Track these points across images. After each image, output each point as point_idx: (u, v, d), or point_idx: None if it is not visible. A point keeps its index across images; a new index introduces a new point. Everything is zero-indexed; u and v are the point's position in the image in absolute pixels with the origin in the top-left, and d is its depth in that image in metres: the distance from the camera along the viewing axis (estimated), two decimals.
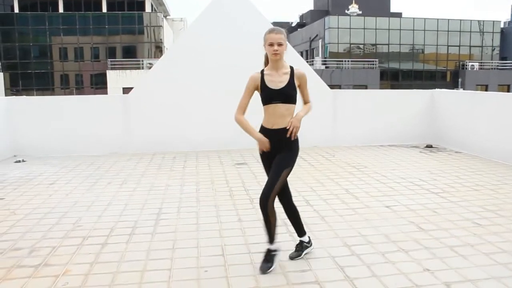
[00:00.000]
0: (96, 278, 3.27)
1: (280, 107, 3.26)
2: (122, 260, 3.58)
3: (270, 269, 3.31)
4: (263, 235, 4.01)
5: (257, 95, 3.37)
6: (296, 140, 3.37)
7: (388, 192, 5.55)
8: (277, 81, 3.28)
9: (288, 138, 3.28)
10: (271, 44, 3.21)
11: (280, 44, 3.21)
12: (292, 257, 3.55)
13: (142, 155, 8.15)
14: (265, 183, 3.38)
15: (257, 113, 3.51)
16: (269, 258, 3.36)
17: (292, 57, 8.83)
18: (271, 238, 3.40)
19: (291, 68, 3.37)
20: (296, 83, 3.32)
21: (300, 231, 3.62)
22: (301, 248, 3.59)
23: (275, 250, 3.40)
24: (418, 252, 3.67)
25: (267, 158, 3.42)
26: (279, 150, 3.32)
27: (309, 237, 3.66)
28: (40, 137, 8.26)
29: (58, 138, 8.29)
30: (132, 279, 3.24)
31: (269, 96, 3.27)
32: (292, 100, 3.29)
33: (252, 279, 3.22)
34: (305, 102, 3.47)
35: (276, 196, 3.37)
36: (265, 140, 3.29)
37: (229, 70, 8.08)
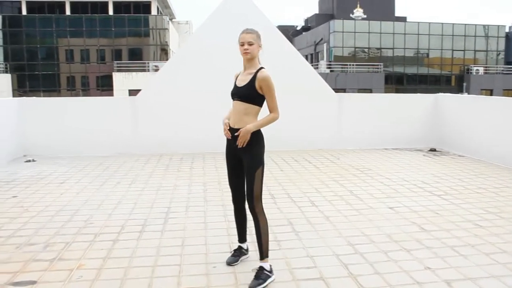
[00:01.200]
0: (109, 272, 3.40)
1: (240, 105, 3.27)
2: (133, 255, 3.71)
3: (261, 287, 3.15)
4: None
5: None
6: (256, 139, 3.27)
7: (392, 194, 5.66)
8: (241, 80, 3.34)
9: (245, 141, 3.23)
10: (242, 44, 3.27)
11: (250, 44, 3.25)
12: (229, 263, 3.50)
13: (150, 156, 8.29)
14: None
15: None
16: (259, 274, 3.22)
17: (297, 61, 9.00)
18: (266, 252, 3.30)
19: (258, 70, 3.27)
20: (257, 85, 3.21)
21: (242, 238, 3.63)
22: (239, 253, 3.59)
23: (270, 271, 3.26)
24: (420, 252, 3.78)
25: (228, 152, 3.48)
26: (240, 149, 3.28)
27: (247, 245, 3.67)
28: (49, 138, 8.42)
29: (66, 139, 8.45)
30: (144, 274, 3.36)
31: (232, 92, 3.36)
32: (250, 100, 3.24)
33: None
34: (269, 110, 3.28)
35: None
36: (225, 123, 3.37)
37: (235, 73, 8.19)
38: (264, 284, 3.17)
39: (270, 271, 3.27)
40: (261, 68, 3.28)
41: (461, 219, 4.65)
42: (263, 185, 3.37)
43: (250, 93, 3.23)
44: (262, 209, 3.32)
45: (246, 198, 3.36)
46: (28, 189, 5.93)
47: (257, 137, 3.28)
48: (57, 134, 8.45)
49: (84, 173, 6.89)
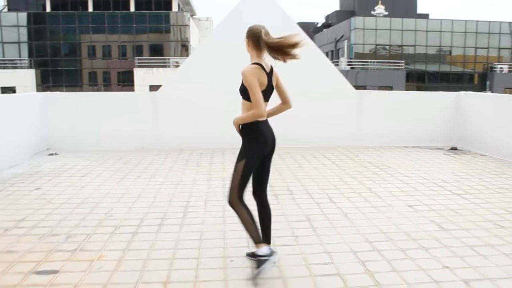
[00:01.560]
0: (128, 263, 3.47)
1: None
2: (152, 248, 3.77)
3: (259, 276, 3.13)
4: (285, 229, 4.16)
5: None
6: (247, 133, 3.27)
7: (411, 192, 5.61)
8: None
9: (240, 133, 3.30)
10: None
11: None
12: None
13: (170, 151, 8.38)
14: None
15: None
16: (258, 263, 3.18)
17: (317, 58, 8.97)
18: (255, 239, 3.22)
19: None
20: (243, 80, 3.21)
21: (266, 237, 3.34)
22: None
23: (263, 256, 3.16)
24: (438, 250, 3.75)
25: None
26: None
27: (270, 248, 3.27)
28: (71, 132, 8.59)
29: (88, 133, 8.61)
30: (162, 266, 3.42)
31: None
32: (241, 95, 3.26)
33: (275, 269, 3.34)
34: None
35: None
36: None
37: None
38: (259, 270, 3.13)
39: (265, 255, 3.15)
40: (252, 63, 3.28)
41: (481, 218, 4.59)
42: (249, 181, 3.31)
43: (241, 88, 3.26)
44: (238, 203, 3.24)
45: (262, 190, 3.43)
46: (51, 182, 6.07)
47: (247, 131, 3.27)
48: (79, 128, 8.61)
49: (105, 167, 7.01)
